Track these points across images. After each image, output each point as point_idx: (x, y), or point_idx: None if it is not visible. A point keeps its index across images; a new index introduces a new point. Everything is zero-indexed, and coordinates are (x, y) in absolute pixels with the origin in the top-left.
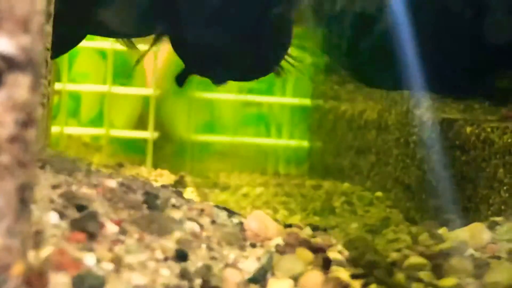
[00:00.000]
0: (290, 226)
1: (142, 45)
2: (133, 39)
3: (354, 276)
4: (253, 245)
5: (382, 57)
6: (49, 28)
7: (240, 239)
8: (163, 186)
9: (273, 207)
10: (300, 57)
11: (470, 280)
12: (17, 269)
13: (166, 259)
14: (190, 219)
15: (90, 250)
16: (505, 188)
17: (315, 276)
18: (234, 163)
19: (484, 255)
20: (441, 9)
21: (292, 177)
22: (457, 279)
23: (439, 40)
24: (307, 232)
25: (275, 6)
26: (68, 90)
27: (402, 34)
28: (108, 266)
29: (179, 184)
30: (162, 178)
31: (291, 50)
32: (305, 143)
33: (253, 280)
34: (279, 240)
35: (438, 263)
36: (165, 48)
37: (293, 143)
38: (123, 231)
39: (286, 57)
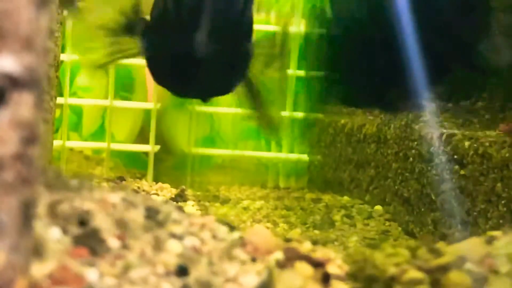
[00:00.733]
0: (290, 240)
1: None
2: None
3: None
4: (254, 260)
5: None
6: (51, 45)
7: (241, 253)
8: (165, 201)
9: (273, 220)
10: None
11: None
12: (20, 285)
13: (167, 274)
14: (191, 234)
15: (93, 265)
16: (503, 202)
17: None
18: (235, 176)
19: (482, 269)
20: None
21: (292, 190)
22: None
23: (341, 54)
24: (307, 246)
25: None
26: (70, 104)
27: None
28: (111, 281)
29: (180, 197)
30: (163, 191)
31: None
32: (305, 157)
33: None
34: (279, 255)
35: (437, 278)
36: None
37: (293, 156)
38: (125, 246)
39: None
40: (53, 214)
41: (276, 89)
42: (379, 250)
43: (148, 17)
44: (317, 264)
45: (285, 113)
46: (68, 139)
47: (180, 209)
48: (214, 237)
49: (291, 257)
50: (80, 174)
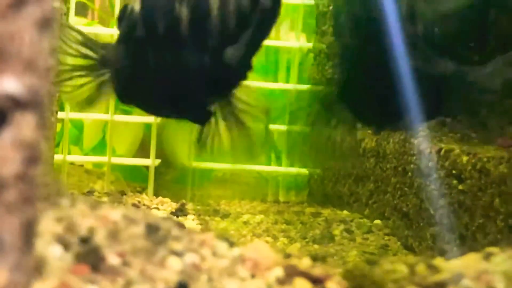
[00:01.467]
0: (289, 256)
1: None
2: None
3: None
4: (253, 276)
5: None
6: (52, 62)
7: (241, 270)
8: (165, 218)
9: (273, 234)
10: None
11: None
12: None
13: None
14: (191, 250)
15: (94, 282)
16: (501, 217)
17: None
18: (235, 190)
19: (479, 286)
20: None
21: (292, 204)
22: None
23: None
24: (306, 262)
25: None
26: (71, 118)
27: None
28: None
29: (180, 211)
30: (163, 206)
31: None
32: (304, 170)
33: None
34: (279, 271)
35: None
36: None
37: (293, 170)
38: (125, 263)
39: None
40: (54, 231)
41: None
42: (378, 266)
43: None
44: (317, 281)
45: (283, 127)
46: (69, 153)
47: (180, 225)
48: (214, 253)
49: (291, 274)
50: (81, 188)
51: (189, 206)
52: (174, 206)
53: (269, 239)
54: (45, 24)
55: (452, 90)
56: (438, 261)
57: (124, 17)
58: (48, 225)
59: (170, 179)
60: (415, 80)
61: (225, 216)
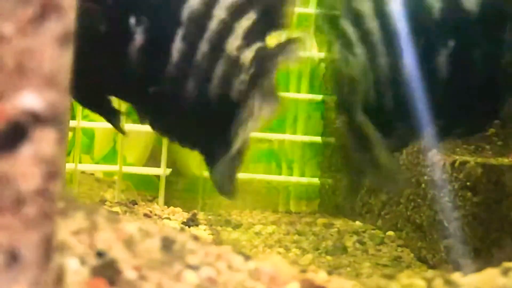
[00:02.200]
0: (305, 270)
1: None
2: None
3: None
4: None
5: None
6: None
7: (256, 284)
8: (180, 230)
9: (285, 245)
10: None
11: None
12: None
13: None
14: (207, 264)
15: None
16: None
17: None
18: (246, 199)
19: None
20: None
21: (303, 215)
22: None
23: None
24: (322, 276)
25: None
26: (82, 127)
27: None
28: None
29: (192, 221)
30: (174, 215)
31: None
32: (316, 180)
33: None
34: (295, 286)
35: None
36: None
37: (304, 180)
38: (142, 277)
39: None
40: (71, 244)
41: None
42: (395, 280)
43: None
44: None
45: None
46: (80, 161)
47: (196, 238)
48: (230, 267)
49: None
50: (92, 197)
51: (201, 216)
52: (185, 216)
53: (281, 250)
54: (65, 39)
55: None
56: (455, 277)
57: None
58: (65, 238)
59: (180, 188)
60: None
61: (236, 226)
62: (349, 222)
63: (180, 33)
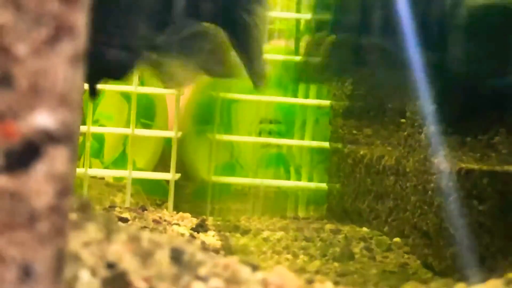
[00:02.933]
0: (312, 281)
1: None
2: None
3: None
4: None
5: None
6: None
7: None
8: (188, 241)
9: (293, 252)
10: None
11: None
12: None
13: None
14: (216, 275)
15: None
16: None
17: None
18: (255, 205)
19: None
20: None
21: (311, 221)
22: None
23: None
24: (328, 286)
25: None
26: (92, 132)
27: None
28: None
29: (201, 227)
30: (183, 221)
31: None
32: (323, 185)
33: None
34: None
35: None
36: (187, 90)
37: (312, 185)
38: None
39: None
40: (82, 256)
41: None
42: None
43: None
44: None
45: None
46: (90, 166)
47: (204, 248)
48: (238, 278)
49: None
50: (102, 202)
51: (209, 221)
52: (194, 221)
53: (289, 256)
54: (77, 59)
55: None
56: (461, 287)
57: None
58: (76, 249)
59: (189, 192)
60: None
61: (245, 232)
62: (356, 228)
63: None
